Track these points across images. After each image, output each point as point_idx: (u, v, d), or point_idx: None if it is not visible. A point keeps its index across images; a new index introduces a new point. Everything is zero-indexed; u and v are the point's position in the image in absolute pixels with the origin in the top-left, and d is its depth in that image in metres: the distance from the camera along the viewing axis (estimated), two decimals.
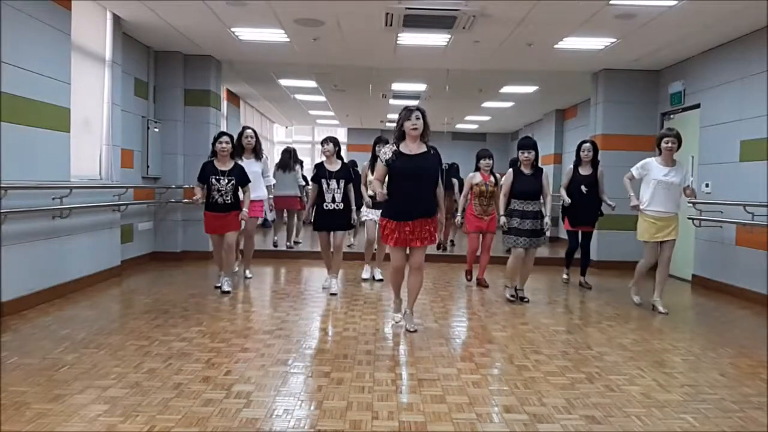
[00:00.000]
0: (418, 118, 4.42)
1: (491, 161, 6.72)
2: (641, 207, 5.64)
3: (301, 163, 10.27)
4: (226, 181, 5.88)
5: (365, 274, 7.08)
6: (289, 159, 9.44)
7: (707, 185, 7.34)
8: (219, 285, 6.10)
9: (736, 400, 3.33)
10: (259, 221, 7.52)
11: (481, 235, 6.72)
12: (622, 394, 3.39)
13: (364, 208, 6.63)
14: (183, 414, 2.93)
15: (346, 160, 6.52)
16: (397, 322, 4.83)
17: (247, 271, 7.02)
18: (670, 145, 5.52)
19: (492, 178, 6.67)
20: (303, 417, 2.95)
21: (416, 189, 4.44)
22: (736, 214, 6.42)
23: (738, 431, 2.94)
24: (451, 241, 10.01)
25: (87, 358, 3.78)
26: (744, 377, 3.77)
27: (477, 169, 6.72)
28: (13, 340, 4.14)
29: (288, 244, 9.44)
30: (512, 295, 6.02)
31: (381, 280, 6.86)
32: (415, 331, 4.66)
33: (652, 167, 5.62)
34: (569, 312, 5.77)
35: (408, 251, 4.66)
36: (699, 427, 2.96)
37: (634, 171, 5.77)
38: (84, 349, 3.97)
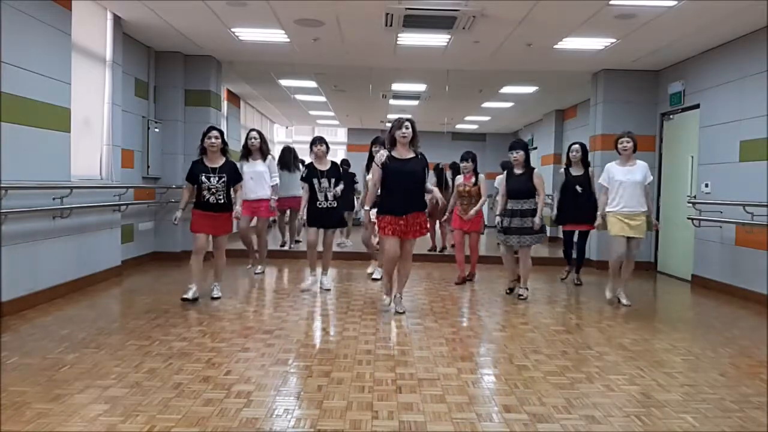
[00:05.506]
0: (407, 128, 5.10)
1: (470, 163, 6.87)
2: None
3: (302, 162, 10.24)
4: (217, 179, 5.50)
5: (371, 269, 7.42)
6: (291, 158, 9.36)
7: (707, 185, 7.34)
8: (187, 296, 5.48)
9: (736, 400, 3.33)
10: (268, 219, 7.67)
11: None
12: (622, 394, 3.39)
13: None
14: (183, 414, 2.93)
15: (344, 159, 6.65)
16: (387, 305, 5.40)
17: (259, 267, 7.38)
18: (624, 145, 5.81)
19: (473, 179, 6.88)
20: (303, 417, 2.95)
21: (407, 188, 5.11)
22: (735, 214, 6.43)
23: (738, 431, 2.94)
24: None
25: (87, 358, 3.78)
26: (744, 377, 3.77)
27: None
28: (13, 340, 4.15)
29: (290, 245, 9.43)
30: (508, 289, 6.47)
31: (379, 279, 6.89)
32: (404, 312, 5.26)
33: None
34: (569, 312, 5.77)
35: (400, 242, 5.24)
36: (699, 427, 2.96)
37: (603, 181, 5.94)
38: (84, 349, 3.97)
